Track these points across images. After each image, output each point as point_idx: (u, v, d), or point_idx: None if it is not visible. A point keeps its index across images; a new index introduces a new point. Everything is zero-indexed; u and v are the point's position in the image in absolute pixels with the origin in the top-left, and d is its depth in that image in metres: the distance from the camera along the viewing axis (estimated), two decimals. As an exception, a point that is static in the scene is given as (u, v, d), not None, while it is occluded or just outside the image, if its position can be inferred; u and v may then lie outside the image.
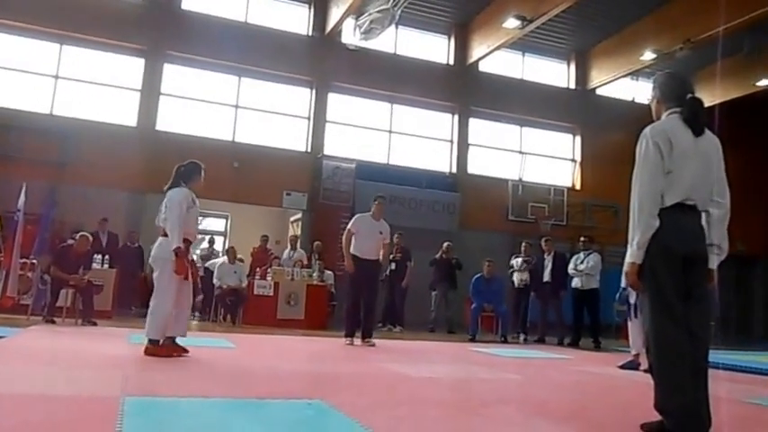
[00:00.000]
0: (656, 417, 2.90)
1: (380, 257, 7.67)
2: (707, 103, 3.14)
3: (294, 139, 13.77)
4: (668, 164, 2.90)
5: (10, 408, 2.80)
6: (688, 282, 2.90)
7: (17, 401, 2.94)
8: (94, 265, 8.75)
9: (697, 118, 3.01)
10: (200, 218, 15.83)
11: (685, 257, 2.89)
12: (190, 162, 5.26)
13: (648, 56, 13.98)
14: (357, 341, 7.40)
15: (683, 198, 2.92)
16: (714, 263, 3.03)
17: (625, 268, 2.99)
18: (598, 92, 16.38)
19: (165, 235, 4.99)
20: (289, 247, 11.87)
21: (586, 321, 9.69)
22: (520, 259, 10.31)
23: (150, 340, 4.93)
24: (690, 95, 3.06)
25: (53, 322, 7.64)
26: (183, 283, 5.07)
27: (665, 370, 2.83)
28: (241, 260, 11.01)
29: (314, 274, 10.67)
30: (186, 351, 5.05)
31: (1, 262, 8.17)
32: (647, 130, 3.00)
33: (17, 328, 6.61)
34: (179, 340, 5.10)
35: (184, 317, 5.18)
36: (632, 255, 2.94)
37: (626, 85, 16.75)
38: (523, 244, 10.73)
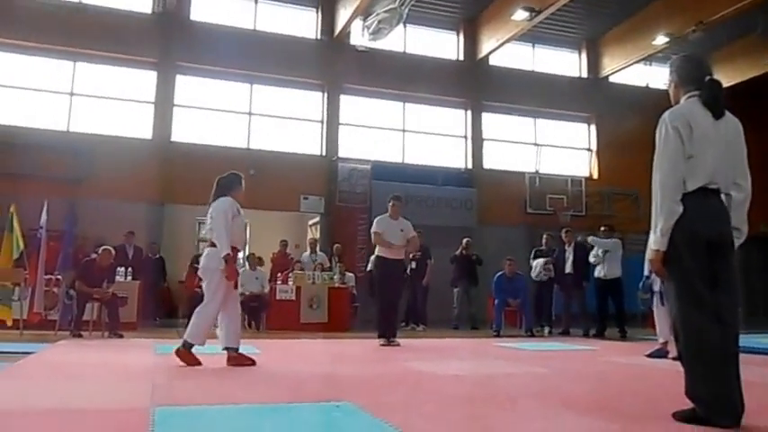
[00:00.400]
0: (687, 404, 2.86)
1: (407, 253, 7.69)
2: (725, 85, 3.07)
3: (308, 143, 13.82)
4: (689, 148, 2.85)
5: (43, 423, 2.82)
6: (714, 266, 2.85)
7: (50, 416, 2.96)
8: (118, 278, 8.82)
9: (716, 100, 2.95)
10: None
11: (711, 242, 2.84)
12: (230, 173, 5.30)
13: (661, 40, 13.82)
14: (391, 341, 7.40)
15: (706, 182, 2.87)
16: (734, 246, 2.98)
17: (649, 256, 2.95)
18: (611, 79, 16.24)
19: (213, 245, 5.02)
20: (309, 250, 11.90)
21: (611, 311, 9.58)
22: (541, 260, 10.23)
23: (184, 343, 4.94)
24: (708, 77, 3.00)
25: (80, 336, 7.70)
26: (231, 293, 5.11)
27: (694, 357, 2.79)
28: (260, 260, 11.02)
29: (335, 277, 10.69)
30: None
31: (26, 279, 8.22)
32: (666, 114, 2.94)
33: (46, 343, 6.67)
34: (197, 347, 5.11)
35: (236, 327, 5.16)
36: (656, 242, 2.89)
37: (639, 71, 16.57)
38: (544, 236, 10.66)
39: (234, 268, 4.99)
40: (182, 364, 4.87)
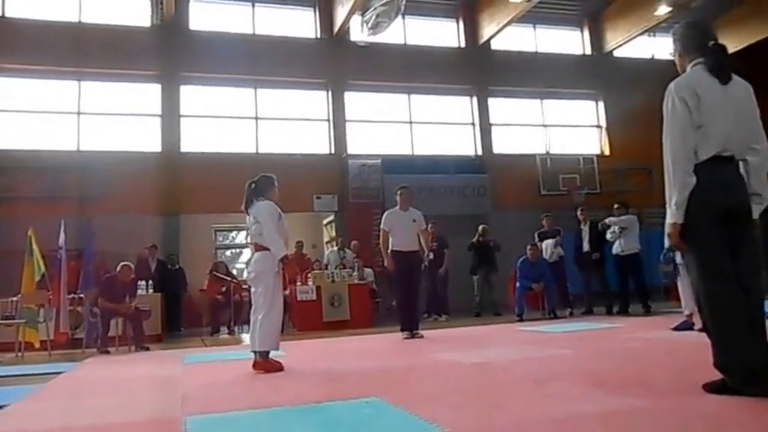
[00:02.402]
0: (716, 375, 2.84)
1: (423, 246, 7.65)
2: (731, 49, 3.02)
3: (317, 142, 13.82)
4: (697, 118, 2.80)
5: None
6: (734, 235, 2.81)
7: None
8: (139, 292, 8.90)
9: (722, 66, 2.89)
10: (236, 233, 16.13)
11: (728, 210, 2.80)
12: (261, 176, 5.26)
13: (663, 10, 13.62)
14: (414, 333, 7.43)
15: (718, 150, 2.82)
16: (756, 212, 2.94)
17: (667, 229, 2.92)
18: (615, 54, 16.10)
19: (259, 249, 5.00)
20: (335, 248, 11.89)
21: (632, 287, 9.50)
22: (550, 240, 10.17)
23: (261, 353, 4.91)
24: (712, 43, 2.94)
25: (108, 352, 7.75)
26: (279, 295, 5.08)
27: (720, 328, 2.77)
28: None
29: (354, 274, 10.71)
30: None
31: (50, 300, 8.31)
32: (672, 85, 2.90)
33: (74, 362, 6.76)
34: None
35: (273, 330, 5.09)
36: (672, 215, 2.87)
37: (643, 43, 16.37)
38: (543, 218, 10.61)
39: (293, 267, 5.01)
40: (260, 372, 4.83)
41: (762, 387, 2.65)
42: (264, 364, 4.89)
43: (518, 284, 9.98)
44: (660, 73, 14.61)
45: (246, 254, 12.81)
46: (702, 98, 2.81)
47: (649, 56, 16.53)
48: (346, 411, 3.15)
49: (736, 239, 2.81)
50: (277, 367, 4.89)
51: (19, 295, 8.29)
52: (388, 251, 7.53)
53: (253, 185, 5.19)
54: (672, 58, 3.17)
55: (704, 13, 13.65)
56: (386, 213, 7.82)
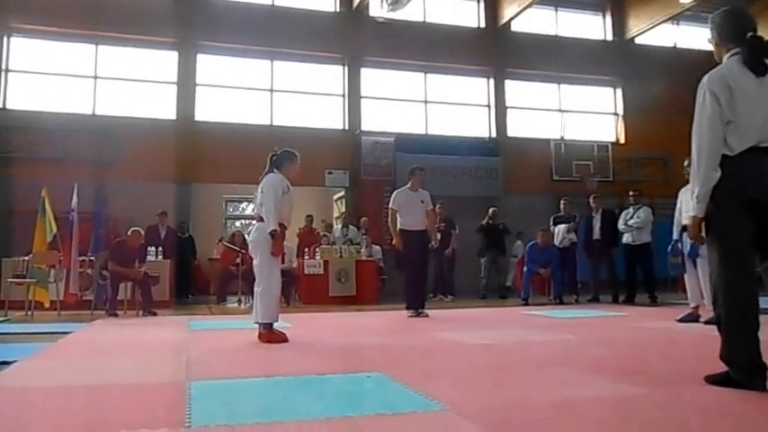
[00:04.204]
0: (719, 368, 2.84)
1: (426, 227, 7.70)
2: (769, 38, 2.90)
3: (331, 117, 13.77)
4: (729, 111, 2.75)
5: (85, 398, 2.93)
6: (764, 230, 2.76)
7: (90, 392, 3.07)
8: (149, 258, 8.99)
9: (756, 58, 2.81)
10: (246, 203, 16.19)
11: (759, 204, 2.75)
12: (283, 150, 5.28)
13: (689, -2, 13.37)
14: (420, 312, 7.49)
15: (756, 142, 2.76)
16: None
17: (687, 222, 2.92)
18: (637, 41, 15.81)
19: (260, 220, 5.04)
20: (340, 224, 11.93)
21: (640, 277, 9.48)
22: (563, 226, 10.13)
23: (264, 325, 4.96)
24: (750, 34, 2.85)
25: (116, 315, 7.85)
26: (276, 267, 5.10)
27: (734, 323, 2.75)
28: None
29: (362, 250, 10.74)
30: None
31: (61, 261, 8.41)
32: (705, 78, 2.84)
33: (83, 323, 6.85)
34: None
35: (273, 302, 5.10)
36: (693, 208, 2.86)
37: (666, 31, 16.08)
38: (562, 202, 10.55)
39: (281, 244, 5.00)
40: (265, 342, 4.85)
41: (765, 382, 2.66)
42: (269, 335, 4.94)
43: (525, 269, 9.99)
44: (681, 63, 14.43)
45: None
46: (735, 91, 2.76)
47: (671, 44, 16.25)
48: (348, 384, 3.18)
49: (765, 235, 2.77)
50: (282, 338, 4.93)
51: (30, 255, 8.37)
52: (397, 230, 7.58)
53: (274, 157, 5.22)
54: (709, 46, 3.08)
55: (733, 2, 13.35)
56: (395, 192, 7.86)
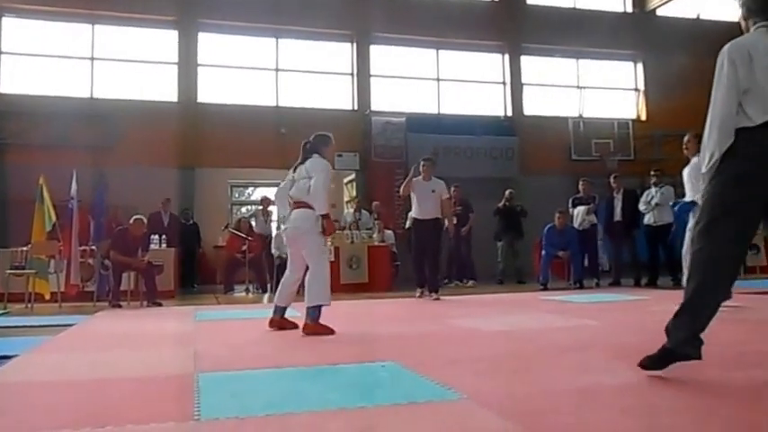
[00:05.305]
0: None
1: (440, 215, 7.91)
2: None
3: (340, 97, 13.41)
4: (745, 81, 2.65)
5: (90, 392, 2.88)
6: None
7: (95, 386, 3.01)
8: (153, 246, 8.84)
9: None
10: (252, 189, 15.84)
11: None
12: (317, 135, 5.20)
13: (714, -35, 12.78)
14: (426, 293, 7.84)
15: None
16: None
17: (702, 196, 2.83)
18: (658, 12, 15.34)
19: (301, 206, 4.86)
20: (352, 209, 11.60)
21: (663, 259, 9.19)
22: (582, 207, 9.81)
23: (311, 317, 4.64)
24: None
25: (119, 306, 7.71)
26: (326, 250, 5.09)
27: (700, 300, 2.69)
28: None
29: (374, 235, 10.36)
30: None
31: (61, 251, 8.23)
32: (726, 46, 2.74)
33: (85, 315, 6.67)
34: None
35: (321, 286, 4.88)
36: (704, 178, 2.79)
37: (689, 1, 15.51)
38: (581, 182, 10.24)
39: (333, 224, 5.01)
40: (309, 334, 4.57)
41: (695, 349, 2.65)
42: (315, 327, 4.61)
43: (543, 252, 9.77)
44: (705, 35, 13.83)
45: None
46: (756, 60, 2.67)
47: (694, 16, 15.67)
48: (361, 374, 3.14)
49: None
50: (329, 331, 4.61)
51: (29, 245, 8.23)
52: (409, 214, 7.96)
53: (307, 145, 5.12)
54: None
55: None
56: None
